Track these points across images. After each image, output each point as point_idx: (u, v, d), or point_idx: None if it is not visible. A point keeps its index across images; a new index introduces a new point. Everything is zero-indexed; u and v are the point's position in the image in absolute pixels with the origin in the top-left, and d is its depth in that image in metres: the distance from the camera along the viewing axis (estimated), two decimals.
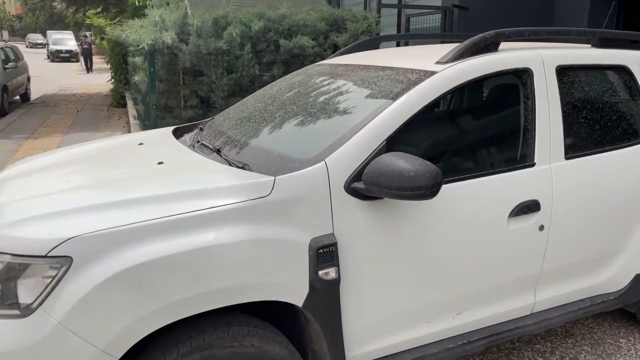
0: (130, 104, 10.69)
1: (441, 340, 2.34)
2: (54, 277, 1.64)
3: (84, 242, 1.66)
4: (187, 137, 2.89)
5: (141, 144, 2.71)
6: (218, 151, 2.37)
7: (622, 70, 2.80)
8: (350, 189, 2.00)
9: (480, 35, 2.46)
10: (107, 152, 2.71)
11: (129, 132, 9.35)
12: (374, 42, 3.47)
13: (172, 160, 2.33)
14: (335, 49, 5.74)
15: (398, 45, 6.45)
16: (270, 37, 5.40)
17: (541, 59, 2.51)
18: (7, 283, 1.69)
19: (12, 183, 2.31)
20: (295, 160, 2.08)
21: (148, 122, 5.43)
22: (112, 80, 13.48)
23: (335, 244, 1.94)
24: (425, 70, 2.35)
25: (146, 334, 1.69)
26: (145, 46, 4.77)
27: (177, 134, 2.95)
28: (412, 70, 2.40)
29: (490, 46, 2.46)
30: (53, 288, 1.64)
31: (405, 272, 2.13)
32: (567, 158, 2.50)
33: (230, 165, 2.18)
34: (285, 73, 5.68)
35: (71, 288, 1.63)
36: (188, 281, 1.72)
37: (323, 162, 2.01)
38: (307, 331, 2.08)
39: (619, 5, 5.91)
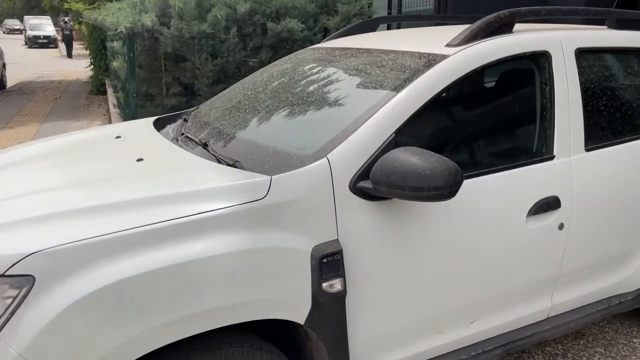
0: (110, 91, 10.31)
1: (454, 351, 2.13)
2: (13, 300, 1.39)
3: (49, 258, 1.41)
4: (170, 129, 2.63)
5: (119, 137, 2.44)
6: (204, 145, 2.12)
7: None
8: (355, 189, 1.77)
9: (494, 14, 2.22)
10: (80, 147, 2.43)
11: (110, 121, 9.00)
12: (371, 24, 3.22)
13: (153, 157, 2.07)
14: (325, 33, 5.46)
15: (389, 28, 6.18)
16: (257, 20, 5.10)
17: (560, 41, 2.29)
18: None
19: None
20: (294, 156, 1.84)
21: (128, 111, 5.13)
22: (91, 66, 13.05)
23: (340, 252, 1.71)
24: (435, 54, 2.11)
25: None
26: (124, 29, 4.46)
27: (159, 125, 2.69)
28: (421, 54, 2.16)
29: (504, 27, 2.23)
30: (12, 313, 1.39)
31: (416, 279, 1.91)
32: (587, 150, 2.29)
33: (219, 162, 1.93)
34: (273, 58, 5.40)
35: (34, 313, 1.38)
36: (173, 301, 1.48)
37: (325, 158, 1.77)
38: (308, 347, 1.86)
39: None
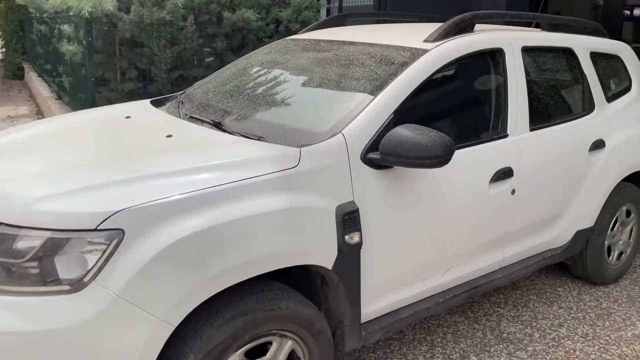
0: (34, 76, 9.85)
1: (432, 295, 2.58)
2: (105, 250, 1.63)
3: (135, 214, 1.66)
4: (166, 109, 2.84)
5: (129, 117, 2.64)
6: (218, 124, 2.38)
7: (569, 52, 3.17)
8: (366, 159, 2.15)
9: (459, 17, 2.68)
10: (102, 124, 2.60)
11: (37, 106, 8.67)
12: (340, 20, 3.58)
13: (179, 133, 2.31)
14: (277, 24, 5.75)
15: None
16: (213, 9, 5.29)
17: (510, 40, 2.79)
18: (46, 260, 1.64)
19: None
20: (312, 132, 2.17)
21: (83, 96, 5.13)
22: (3, 49, 12.32)
23: (357, 210, 2.09)
24: (417, 48, 2.53)
25: (200, 302, 1.74)
26: (86, 14, 4.48)
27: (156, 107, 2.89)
28: (404, 48, 2.57)
29: (468, 27, 2.70)
30: (106, 261, 1.63)
31: (410, 234, 2.32)
32: (531, 130, 2.82)
33: (240, 137, 2.22)
34: (228, 47, 5.60)
35: (126, 260, 1.63)
36: (237, 249, 1.78)
37: (341, 133, 2.13)
38: (323, 292, 2.22)
39: None
